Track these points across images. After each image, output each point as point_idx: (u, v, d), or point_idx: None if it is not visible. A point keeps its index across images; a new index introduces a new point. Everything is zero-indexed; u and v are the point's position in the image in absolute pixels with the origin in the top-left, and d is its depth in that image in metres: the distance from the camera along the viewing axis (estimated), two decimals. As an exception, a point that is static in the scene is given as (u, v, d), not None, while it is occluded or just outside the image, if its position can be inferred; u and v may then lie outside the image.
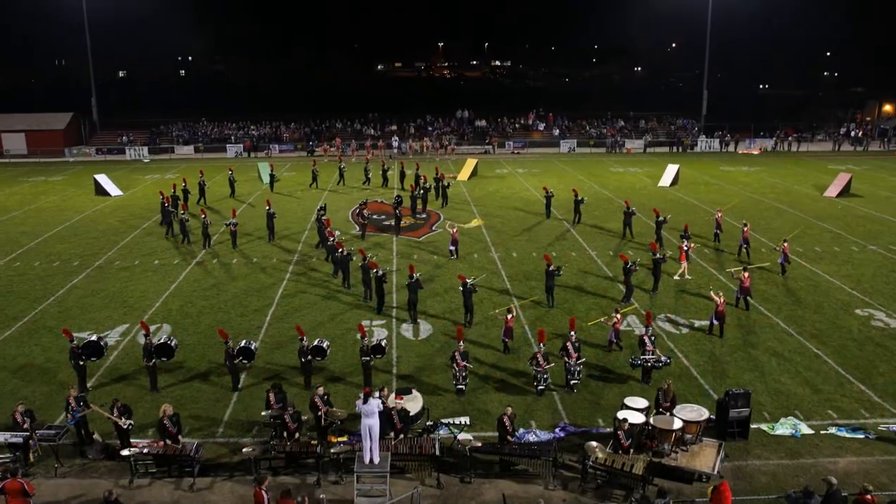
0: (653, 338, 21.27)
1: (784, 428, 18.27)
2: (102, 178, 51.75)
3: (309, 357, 20.91)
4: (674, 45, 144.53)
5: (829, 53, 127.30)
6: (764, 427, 18.39)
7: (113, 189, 51.25)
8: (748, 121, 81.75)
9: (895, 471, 16.58)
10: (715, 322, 24.25)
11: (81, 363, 20.55)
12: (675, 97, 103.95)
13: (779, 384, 20.81)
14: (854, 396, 20.06)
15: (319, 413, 17.68)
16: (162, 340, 21.55)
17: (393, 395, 18.54)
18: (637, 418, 17.20)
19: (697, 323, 25.39)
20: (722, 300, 24.13)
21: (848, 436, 17.98)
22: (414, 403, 18.67)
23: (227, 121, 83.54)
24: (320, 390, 18.10)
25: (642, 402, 18.11)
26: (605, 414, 19.12)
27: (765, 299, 27.66)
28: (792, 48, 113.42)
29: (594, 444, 16.41)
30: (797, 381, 20.95)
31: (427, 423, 18.02)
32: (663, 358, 20.86)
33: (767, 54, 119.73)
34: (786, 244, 30.44)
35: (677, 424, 16.76)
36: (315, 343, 21.40)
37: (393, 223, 38.78)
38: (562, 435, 18.18)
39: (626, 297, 27.47)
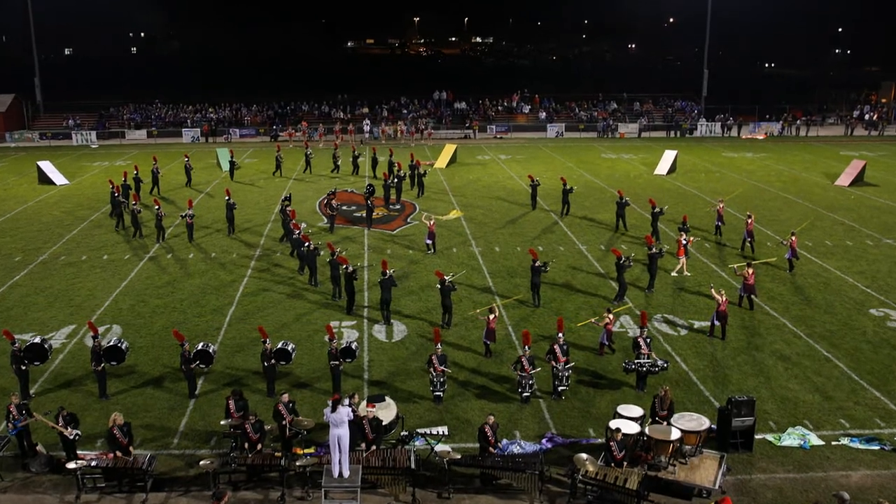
0: (648, 340, 21.30)
1: (792, 438, 18.35)
2: (46, 166, 51.36)
3: (272, 361, 20.79)
4: (671, 19, 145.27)
5: (840, 29, 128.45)
6: (770, 438, 18.46)
7: (58, 177, 50.85)
8: (753, 103, 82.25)
9: (910, 484, 16.71)
10: (716, 323, 24.33)
11: (24, 368, 20.38)
12: (672, 77, 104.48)
13: (786, 391, 20.92)
14: (868, 404, 20.19)
15: (284, 422, 17.60)
16: (112, 343, 21.38)
17: (364, 402, 18.48)
18: (631, 428, 17.23)
19: (697, 324, 25.50)
20: (724, 299, 24.15)
21: (861, 447, 18.06)
22: (387, 412, 18.63)
23: (183, 103, 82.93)
24: (285, 397, 18.01)
25: (637, 411, 18.15)
26: (597, 423, 19.13)
27: (770, 298, 27.82)
28: (800, 24, 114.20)
29: (584, 456, 16.36)
30: (806, 388, 21.07)
31: (402, 434, 18.02)
32: (660, 362, 20.87)
33: (773, 31, 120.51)
34: (794, 238, 30.54)
35: (675, 435, 16.78)
36: (279, 346, 21.29)
37: (364, 215, 38.63)
38: (549, 446, 18.18)
39: (620, 295, 27.51)
